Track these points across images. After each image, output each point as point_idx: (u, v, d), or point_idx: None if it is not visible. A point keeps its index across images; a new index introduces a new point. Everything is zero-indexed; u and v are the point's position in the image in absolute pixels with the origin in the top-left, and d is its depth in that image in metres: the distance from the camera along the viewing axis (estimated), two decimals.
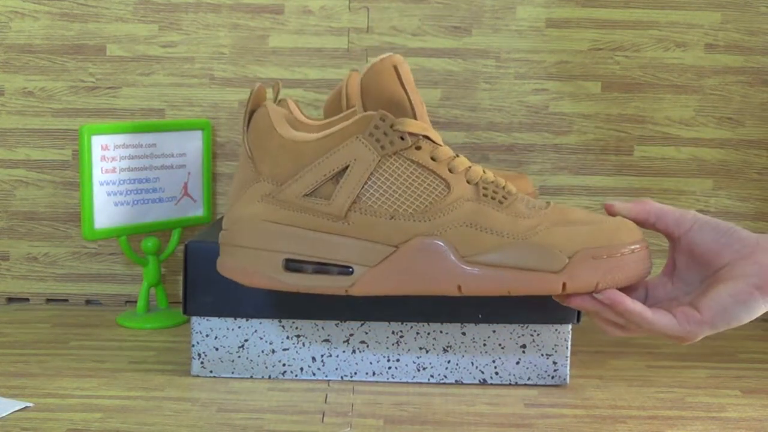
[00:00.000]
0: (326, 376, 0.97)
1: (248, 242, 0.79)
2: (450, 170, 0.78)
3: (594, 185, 1.26)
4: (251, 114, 0.83)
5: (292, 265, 0.79)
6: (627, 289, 0.77)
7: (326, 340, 0.96)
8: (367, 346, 0.97)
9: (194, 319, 0.96)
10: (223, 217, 0.84)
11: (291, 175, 0.79)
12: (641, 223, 0.78)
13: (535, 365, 0.96)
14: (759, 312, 0.72)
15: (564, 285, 0.73)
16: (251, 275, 0.80)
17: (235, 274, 0.81)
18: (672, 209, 0.77)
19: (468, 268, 0.75)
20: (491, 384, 0.96)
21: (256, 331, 0.96)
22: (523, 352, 0.96)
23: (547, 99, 1.25)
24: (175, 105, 1.25)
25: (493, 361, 0.96)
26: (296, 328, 0.96)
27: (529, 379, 0.96)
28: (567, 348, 0.96)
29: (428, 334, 0.96)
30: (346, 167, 0.78)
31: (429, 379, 0.97)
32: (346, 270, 0.77)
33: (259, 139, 0.81)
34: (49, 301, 1.27)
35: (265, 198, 0.79)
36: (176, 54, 1.24)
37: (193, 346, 0.97)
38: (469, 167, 0.79)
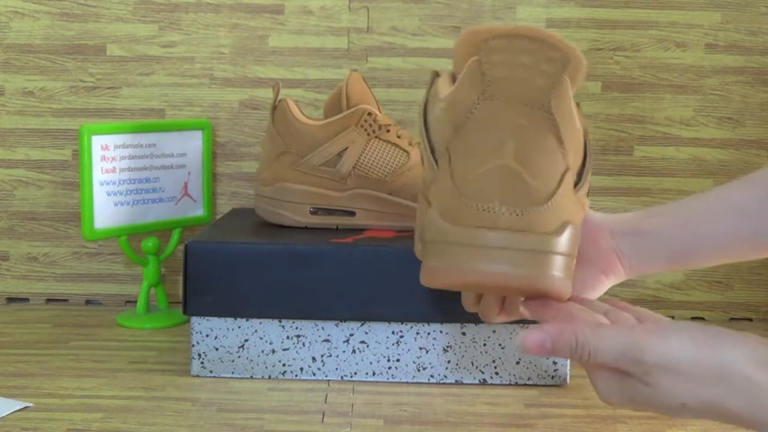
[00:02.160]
0: (326, 376, 0.97)
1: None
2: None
3: (594, 185, 1.26)
4: None
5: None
6: None
7: (326, 340, 0.96)
8: (367, 346, 0.97)
9: (194, 319, 0.96)
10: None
11: None
12: None
13: (535, 365, 0.96)
14: (605, 290, 0.77)
15: None
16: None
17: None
18: None
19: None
20: (491, 384, 0.96)
21: (256, 331, 0.96)
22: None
23: None
24: (175, 105, 1.24)
25: (493, 361, 0.96)
26: (296, 328, 0.96)
27: (529, 379, 0.96)
28: None
29: (428, 334, 0.96)
30: None
31: (429, 379, 0.97)
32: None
33: None
34: (49, 301, 1.27)
35: None
36: (176, 54, 1.24)
37: (193, 346, 0.97)
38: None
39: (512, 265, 0.59)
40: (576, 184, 0.63)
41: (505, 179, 0.59)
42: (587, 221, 0.74)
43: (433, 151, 0.63)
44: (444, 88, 0.65)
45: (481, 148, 0.60)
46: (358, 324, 0.96)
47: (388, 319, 0.96)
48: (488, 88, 0.60)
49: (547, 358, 0.96)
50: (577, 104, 0.65)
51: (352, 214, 1.06)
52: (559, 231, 0.60)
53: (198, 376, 0.97)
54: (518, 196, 0.59)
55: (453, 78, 0.66)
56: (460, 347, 0.96)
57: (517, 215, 0.59)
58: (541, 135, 0.60)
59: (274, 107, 1.06)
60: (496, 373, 0.96)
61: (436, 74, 0.69)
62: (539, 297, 0.66)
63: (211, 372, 0.97)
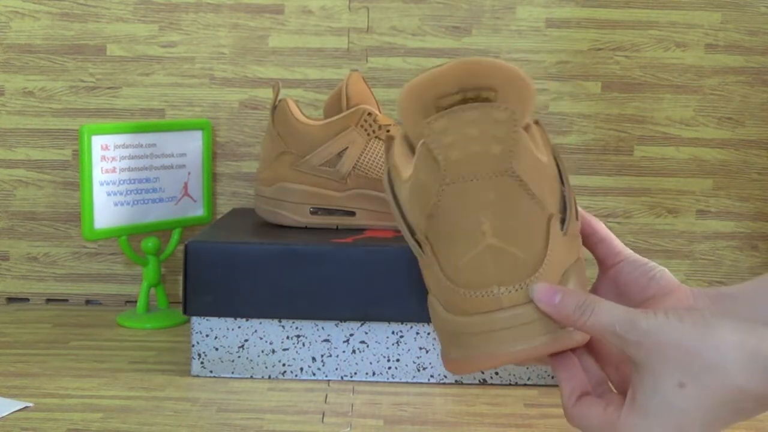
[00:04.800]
0: (326, 376, 0.97)
1: None
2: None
3: (594, 185, 1.26)
4: None
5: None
6: None
7: (326, 340, 0.96)
8: (367, 346, 0.97)
9: (194, 319, 0.96)
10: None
11: None
12: (585, 237, 0.72)
13: (535, 365, 0.96)
14: None
15: None
16: None
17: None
18: (615, 238, 0.75)
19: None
20: (491, 384, 0.96)
21: (256, 331, 0.96)
22: None
23: (547, 99, 1.25)
24: (175, 105, 1.25)
25: None
26: (296, 328, 0.96)
27: (529, 379, 0.96)
28: None
29: (428, 334, 0.96)
30: None
31: (429, 379, 0.97)
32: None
33: None
34: (49, 301, 1.27)
35: None
36: (176, 54, 1.24)
37: (193, 346, 0.97)
38: None
39: (529, 338, 0.59)
40: (563, 221, 0.61)
41: (494, 260, 0.59)
42: (664, 279, 0.71)
43: (412, 233, 0.62)
44: (401, 160, 0.63)
45: (460, 235, 0.59)
46: (358, 324, 0.96)
47: (388, 319, 0.96)
48: (446, 173, 0.58)
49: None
50: (536, 122, 0.62)
51: (352, 214, 1.06)
52: (562, 285, 0.60)
53: (198, 376, 0.97)
54: (512, 272, 0.59)
55: (407, 141, 0.64)
56: None
57: (518, 290, 0.59)
58: (513, 201, 0.59)
59: (274, 107, 1.06)
60: (496, 373, 0.96)
61: (391, 138, 0.66)
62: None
63: (211, 372, 0.97)
